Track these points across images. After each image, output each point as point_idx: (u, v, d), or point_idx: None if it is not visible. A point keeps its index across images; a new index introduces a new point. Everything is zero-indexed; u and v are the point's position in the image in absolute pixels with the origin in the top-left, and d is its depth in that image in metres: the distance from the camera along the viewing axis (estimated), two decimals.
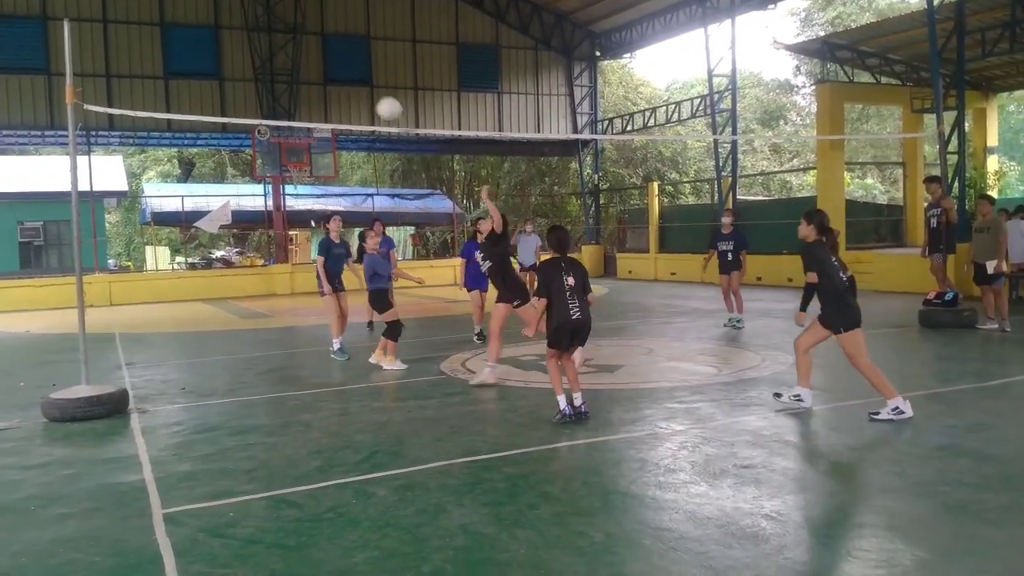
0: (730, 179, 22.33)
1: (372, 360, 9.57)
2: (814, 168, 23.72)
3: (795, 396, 6.74)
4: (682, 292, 19.56)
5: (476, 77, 26.63)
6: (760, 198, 32.33)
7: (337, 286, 10.42)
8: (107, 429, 6.74)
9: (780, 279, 19.82)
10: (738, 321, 11.97)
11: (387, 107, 9.71)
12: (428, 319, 15.00)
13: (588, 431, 6.06)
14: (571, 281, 6.18)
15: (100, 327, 14.65)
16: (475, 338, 11.32)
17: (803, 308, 6.67)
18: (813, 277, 6.53)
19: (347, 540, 4.05)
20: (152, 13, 22.66)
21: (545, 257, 6.62)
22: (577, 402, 6.35)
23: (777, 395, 6.95)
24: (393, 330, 9.30)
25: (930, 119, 20.96)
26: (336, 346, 10.30)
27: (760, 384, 7.67)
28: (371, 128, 24.61)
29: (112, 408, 7.15)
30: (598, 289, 21.25)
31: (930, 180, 12.11)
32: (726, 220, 12.76)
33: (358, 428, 6.45)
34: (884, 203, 28.62)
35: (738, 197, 22.62)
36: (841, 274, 6.54)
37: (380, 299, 9.45)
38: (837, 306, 6.52)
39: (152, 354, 11.55)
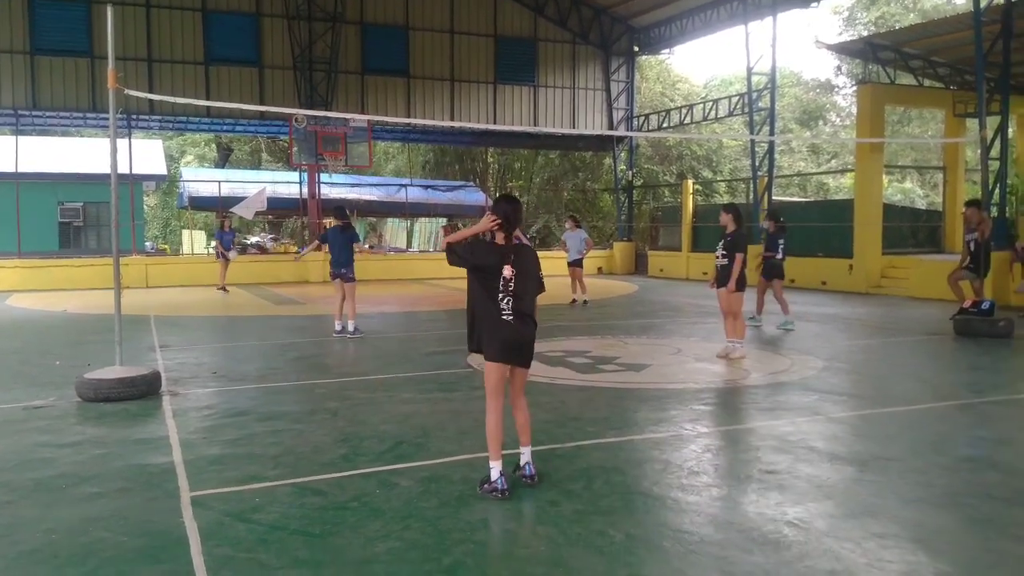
0: (766, 179, 22.13)
1: None
2: (852, 170, 23.46)
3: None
4: (713, 292, 19.40)
5: (513, 70, 26.62)
6: (796, 199, 31.98)
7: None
8: (139, 410, 6.86)
9: (814, 282, 19.63)
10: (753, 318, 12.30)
11: None
12: (457, 311, 15.05)
13: (614, 430, 6.06)
14: (507, 272, 4.63)
15: (136, 309, 14.89)
16: None
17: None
18: (742, 257, 9.11)
19: (370, 530, 4.10)
20: None
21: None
22: (523, 460, 4.84)
23: None
24: None
25: (973, 123, 20.58)
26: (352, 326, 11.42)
27: (789, 389, 7.62)
28: (406, 119, 24.72)
29: (145, 390, 7.28)
30: (628, 286, 21.18)
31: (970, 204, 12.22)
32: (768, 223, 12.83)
33: (384, 418, 6.50)
34: (923, 208, 28.22)
35: (774, 198, 22.40)
36: None
37: None
38: (743, 275, 9.26)
39: (185, 337, 11.72)
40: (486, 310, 4.68)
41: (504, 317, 4.63)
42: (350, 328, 11.40)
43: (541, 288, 4.94)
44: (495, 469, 4.62)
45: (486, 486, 4.62)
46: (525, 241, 11.27)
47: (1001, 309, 12.23)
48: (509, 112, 26.63)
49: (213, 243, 20.78)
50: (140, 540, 3.99)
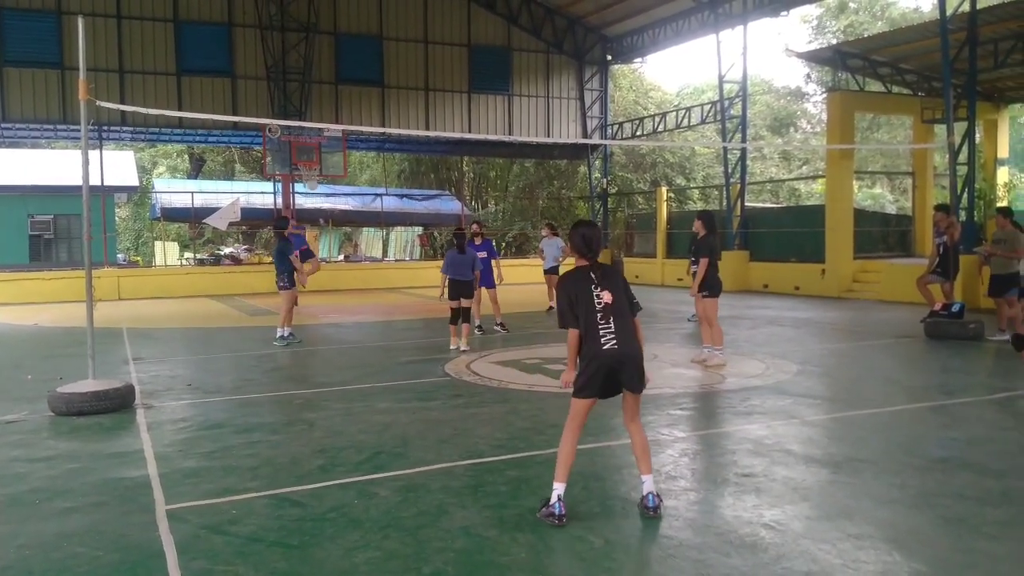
0: (739, 186, 22.33)
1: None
2: (823, 176, 23.71)
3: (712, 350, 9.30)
4: (688, 298, 19.51)
5: (487, 79, 26.67)
6: (768, 205, 32.29)
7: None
8: (113, 424, 6.79)
9: (787, 287, 19.81)
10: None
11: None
12: (434, 320, 15.03)
13: (591, 437, 6.06)
14: (606, 298, 4.43)
15: (108, 322, 14.74)
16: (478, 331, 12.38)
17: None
18: (705, 262, 9.18)
19: (349, 540, 4.08)
20: (166, 10, 22.76)
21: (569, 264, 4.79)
22: (645, 489, 4.41)
23: None
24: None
25: (941, 129, 20.93)
26: (286, 332, 11.72)
27: (764, 392, 7.68)
28: (381, 129, 24.69)
29: (118, 403, 7.21)
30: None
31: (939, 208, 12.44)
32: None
33: (361, 428, 6.48)
34: (893, 213, 28.59)
35: (746, 204, 22.60)
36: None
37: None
38: (716, 280, 9.29)
39: (159, 350, 11.61)
40: (585, 340, 4.40)
41: (604, 340, 4.35)
42: (285, 333, 11.72)
43: (637, 309, 4.62)
44: (555, 492, 4.32)
45: (544, 509, 4.34)
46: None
47: (971, 312, 12.40)
48: (484, 121, 26.67)
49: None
50: (115, 555, 3.95)
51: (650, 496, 4.38)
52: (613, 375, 4.39)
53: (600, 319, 4.37)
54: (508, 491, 4.84)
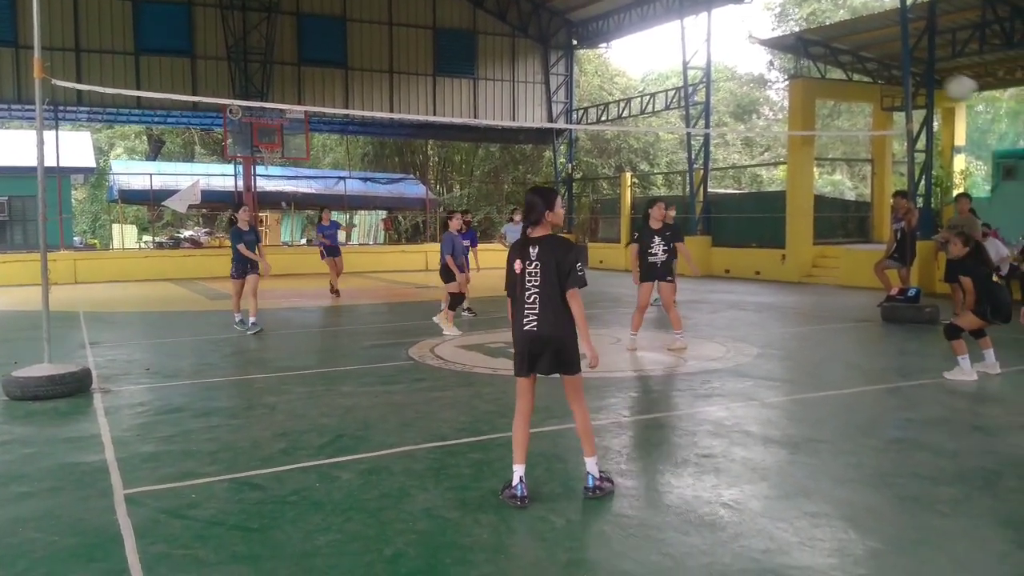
0: (702, 171, 22.48)
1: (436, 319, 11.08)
2: (784, 163, 23.96)
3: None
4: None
5: (452, 62, 26.52)
6: (731, 191, 32.56)
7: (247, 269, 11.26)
8: (69, 408, 6.68)
9: (748, 272, 20.02)
10: None
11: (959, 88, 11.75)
12: (398, 304, 14.99)
13: (554, 419, 6.09)
14: (517, 268, 4.30)
15: (64, 305, 14.46)
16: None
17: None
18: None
19: (310, 523, 4.07)
20: None
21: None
22: (586, 470, 4.39)
23: None
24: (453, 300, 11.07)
25: (899, 117, 21.19)
26: (237, 318, 11.47)
27: (724, 375, 7.77)
28: (345, 111, 24.45)
29: (75, 387, 7.09)
30: None
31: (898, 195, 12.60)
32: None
33: (323, 412, 6.45)
34: (852, 199, 28.97)
35: (709, 190, 22.77)
36: None
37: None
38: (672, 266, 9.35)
39: (117, 334, 11.43)
40: (514, 317, 4.30)
41: (526, 320, 4.23)
42: (251, 320, 11.41)
43: (575, 283, 4.24)
44: (516, 473, 4.29)
45: (506, 491, 4.32)
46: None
47: (927, 296, 12.64)
48: (449, 104, 26.53)
49: (317, 238, 17.09)
50: (73, 539, 3.90)
51: (589, 477, 4.38)
52: (533, 356, 4.27)
53: (527, 296, 4.25)
54: (471, 473, 4.85)
